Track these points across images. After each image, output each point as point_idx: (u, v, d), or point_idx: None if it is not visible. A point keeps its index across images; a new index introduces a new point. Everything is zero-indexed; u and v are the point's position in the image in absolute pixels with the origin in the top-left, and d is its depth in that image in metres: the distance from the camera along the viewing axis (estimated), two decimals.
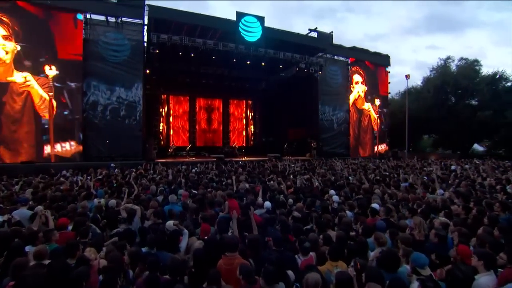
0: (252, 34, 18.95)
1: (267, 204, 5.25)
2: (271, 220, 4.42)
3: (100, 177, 9.46)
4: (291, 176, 9.55)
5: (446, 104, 28.82)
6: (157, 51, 16.63)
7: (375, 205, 5.02)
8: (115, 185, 8.17)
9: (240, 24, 18.63)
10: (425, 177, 9.32)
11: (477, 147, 34.81)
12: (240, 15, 18.67)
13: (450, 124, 27.31)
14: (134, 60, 16.81)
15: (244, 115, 28.83)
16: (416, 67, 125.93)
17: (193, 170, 11.43)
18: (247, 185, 7.79)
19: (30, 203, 5.22)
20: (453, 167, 12.75)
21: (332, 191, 6.40)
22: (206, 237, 3.82)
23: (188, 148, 20.06)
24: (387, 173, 11.09)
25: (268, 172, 11.09)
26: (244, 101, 28.54)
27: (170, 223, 3.80)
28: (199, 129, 27.09)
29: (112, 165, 13.37)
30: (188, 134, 25.97)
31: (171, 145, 18.78)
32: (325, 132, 23.27)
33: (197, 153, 22.71)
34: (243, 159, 19.68)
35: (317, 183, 7.93)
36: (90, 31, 16.11)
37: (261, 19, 19.23)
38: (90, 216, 4.62)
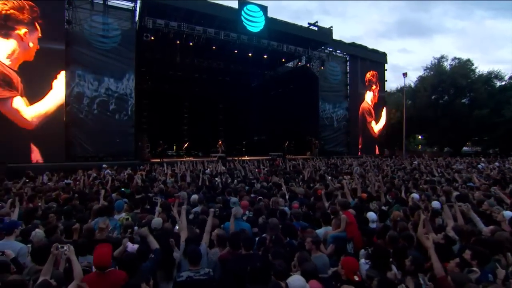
0: (255, 24, 17.50)
1: (372, 215, 3.85)
2: (393, 240, 3.07)
3: (98, 180, 7.62)
4: (329, 177, 8.22)
5: (441, 103, 28.84)
6: (152, 38, 14.84)
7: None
8: (122, 190, 6.45)
9: (242, 13, 17.11)
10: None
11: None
12: (242, 3, 17.15)
13: (445, 123, 27.28)
14: (125, 48, 14.90)
15: (238, 112, 27.13)
16: (390, 70, 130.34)
17: (207, 171, 9.80)
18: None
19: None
20: (480, 166, 12.02)
21: (415, 195, 5.09)
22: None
23: (185, 147, 18.24)
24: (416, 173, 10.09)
25: (293, 172, 9.75)
26: (239, 97, 26.88)
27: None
28: (191, 126, 25.21)
29: (104, 165, 11.42)
30: (178, 132, 23.99)
31: (160, 143, 16.85)
32: (325, 130, 22.27)
33: (189, 153, 20.84)
34: (244, 158, 18.22)
35: (377, 185, 6.61)
36: (73, 13, 13.98)
37: (264, 8, 17.80)
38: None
